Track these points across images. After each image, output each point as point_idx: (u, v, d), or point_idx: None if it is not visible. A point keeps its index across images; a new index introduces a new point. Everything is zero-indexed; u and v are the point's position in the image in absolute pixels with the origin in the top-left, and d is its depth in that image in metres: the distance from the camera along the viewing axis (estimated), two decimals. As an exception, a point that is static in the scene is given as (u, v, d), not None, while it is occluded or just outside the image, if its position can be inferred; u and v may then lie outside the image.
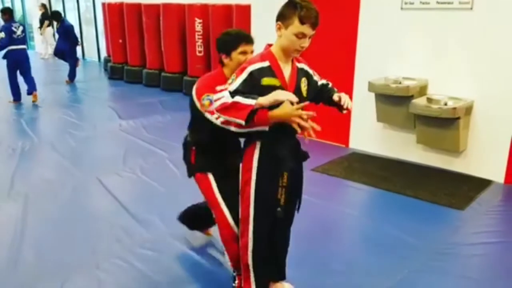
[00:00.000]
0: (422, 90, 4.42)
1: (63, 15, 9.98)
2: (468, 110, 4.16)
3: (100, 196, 3.92)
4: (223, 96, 2.05)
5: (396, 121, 4.61)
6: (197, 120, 2.45)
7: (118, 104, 7.46)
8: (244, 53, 2.41)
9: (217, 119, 2.23)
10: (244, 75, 2.09)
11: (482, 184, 4.14)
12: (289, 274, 2.77)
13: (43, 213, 3.60)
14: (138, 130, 5.88)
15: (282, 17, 2.05)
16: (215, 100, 2.09)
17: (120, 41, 9.37)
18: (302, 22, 2.00)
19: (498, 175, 4.18)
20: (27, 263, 2.91)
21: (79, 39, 9.70)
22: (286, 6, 2.05)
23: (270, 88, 2.06)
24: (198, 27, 7.61)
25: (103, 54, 11.38)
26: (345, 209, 3.73)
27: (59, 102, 7.68)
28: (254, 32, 5.90)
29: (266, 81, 2.09)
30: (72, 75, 9.32)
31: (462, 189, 4.04)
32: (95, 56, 12.25)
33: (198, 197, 2.77)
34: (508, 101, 4.00)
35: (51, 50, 13.07)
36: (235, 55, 2.41)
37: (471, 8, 4.11)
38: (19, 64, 7.26)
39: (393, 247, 3.11)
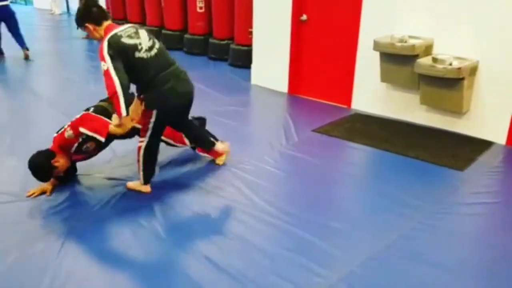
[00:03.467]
0: (428, 50, 4.34)
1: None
2: (473, 70, 4.09)
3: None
4: None
5: (400, 81, 4.55)
6: None
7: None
8: None
9: None
10: None
11: (484, 145, 4.14)
12: (291, 232, 2.84)
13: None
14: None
15: None
16: None
17: (119, -4, 9.14)
18: None
19: (500, 137, 4.17)
20: None
21: None
22: None
23: None
24: (199, -18, 7.39)
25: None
26: (345, 170, 3.75)
27: (57, 60, 7.58)
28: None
29: None
30: None
31: (463, 150, 4.04)
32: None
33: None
34: (514, 61, 3.94)
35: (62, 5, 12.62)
36: None
37: (482, -36, 3.97)
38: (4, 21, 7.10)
39: (392, 206, 3.15)
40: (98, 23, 3.00)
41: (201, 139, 3.57)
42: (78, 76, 6.45)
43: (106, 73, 2.80)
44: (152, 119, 3.06)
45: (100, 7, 3.05)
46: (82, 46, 8.57)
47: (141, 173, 3.22)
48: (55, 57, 7.91)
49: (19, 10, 7.34)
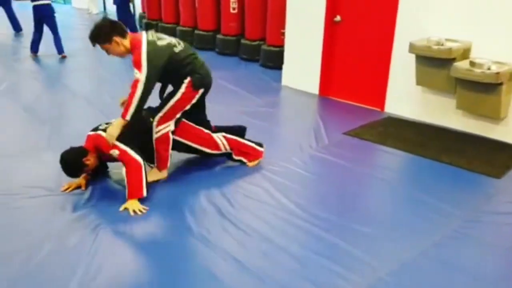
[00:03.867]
0: (465, 53, 4.21)
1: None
2: (513, 75, 3.95)
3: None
4: None
5: (436, 85, 4.43)
6: None
7: (152, 61, 7.47)
8: None
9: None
10: None
11: (523, 153, 3.99)
12: (319, 236, 2.80)
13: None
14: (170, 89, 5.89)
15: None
16: None
17: (155, -3, 9.28)
18: None
19: (540, 145, 4.01)
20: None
21: None
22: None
23: None
24: (233, -17, 7.43)
25: (138, 10, 11.34)
26: (377, 174, 3.68)
27: (96, 58, 7.77)
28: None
29: None
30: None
31: (500, 157, 3.90)
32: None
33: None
34: (559, 66, 3.77)
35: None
36: None
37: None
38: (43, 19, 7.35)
39: (425, 213, 3.07)
40: (124, 35, 3.11)
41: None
42: (115, 75, 6.59)
43: (136, 82, 2.98)
44: (194, 100, 3.31)
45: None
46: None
47: (169, 158, 3.39)
48: (91, 56, 8.09)
49: (57, 10, 7.56)
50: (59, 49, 7.46)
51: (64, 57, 7.46)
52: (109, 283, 2.37)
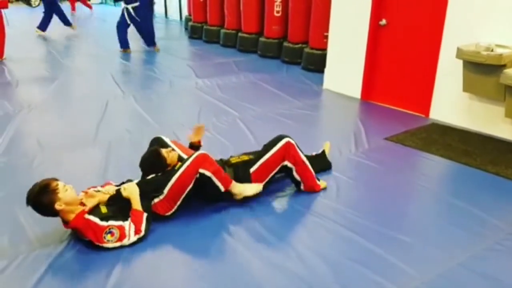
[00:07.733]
0: (517, 60, 4.04)
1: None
2: None
3: (175, 149, 4.09)
4: None
5: (485, 92, 4.27)
6: None
7: (196, 63, 7.64)
8: None
9: None
10: None
11: None
12: (355, 242, 2.77)
13: (124, 158, 3.83)
14: (213, 89, 6.00)
15: None
16: None
17: (201, 0, 9.47)
18: None
19: None
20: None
21: None
22: None
23: None
24: (278, -14, 7.46)
25: (184, 13, 11.62)
26: (418, 181, 3.58)
27: (143, 59, 8.03)
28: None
29: None
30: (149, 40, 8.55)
31: (553, 169, 3.71)
32: (177, 15, 12.55)
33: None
34: None
35: None
36: None
37: None
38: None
39: (466, 223, 2.97)
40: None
41: None
42: (162, 74, 6.78)
43: None
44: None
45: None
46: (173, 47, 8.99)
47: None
48: (148, 54, 8.33)
49: (109, 11, 7.85)
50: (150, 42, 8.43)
51: (157, 50, 8.39)
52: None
